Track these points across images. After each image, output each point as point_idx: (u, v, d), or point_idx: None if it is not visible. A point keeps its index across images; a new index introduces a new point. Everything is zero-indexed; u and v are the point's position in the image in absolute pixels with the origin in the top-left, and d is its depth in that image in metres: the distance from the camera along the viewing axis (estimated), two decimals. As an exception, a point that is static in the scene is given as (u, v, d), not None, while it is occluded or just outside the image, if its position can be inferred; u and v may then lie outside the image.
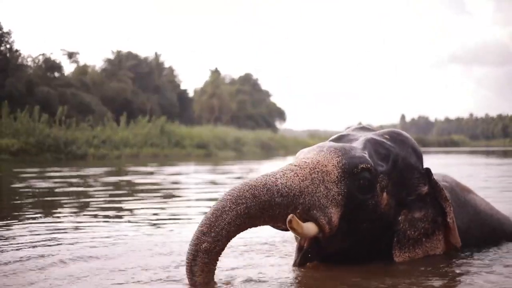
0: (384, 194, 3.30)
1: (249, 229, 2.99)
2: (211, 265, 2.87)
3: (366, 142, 3.42)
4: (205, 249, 2.83)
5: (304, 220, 3.04)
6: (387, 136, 3.54)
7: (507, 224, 4.18)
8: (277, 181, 3.02)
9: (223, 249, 2.89)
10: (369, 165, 3.22)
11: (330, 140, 3.61)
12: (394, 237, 3.34)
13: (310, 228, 3.05)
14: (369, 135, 3.55)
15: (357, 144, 3.42)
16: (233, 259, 3.64)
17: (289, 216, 2.91)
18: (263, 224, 3.02)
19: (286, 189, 3.00)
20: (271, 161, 24.63)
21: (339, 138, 3.62)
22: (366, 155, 3.29)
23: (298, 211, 3.02)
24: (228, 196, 2.91)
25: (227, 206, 2.88)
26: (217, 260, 2.89)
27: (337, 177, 3.16)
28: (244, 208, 2.89)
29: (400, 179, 3.39)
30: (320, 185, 3.11)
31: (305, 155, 3.31)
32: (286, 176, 3.06)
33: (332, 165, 3.18)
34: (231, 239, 2.91)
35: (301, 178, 3.08)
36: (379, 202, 3.27)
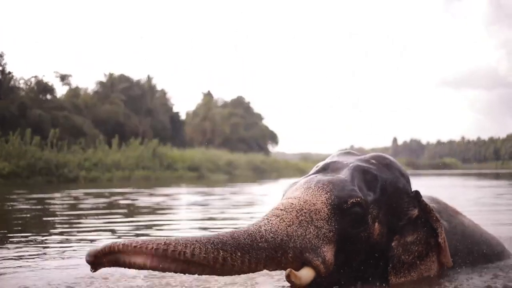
0: (376, 224, 3.25)
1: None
2: None
3: (353, 172, 3.36)
4: None
5: (299, 267, 2.98)
6: (373, 161, 3.50)
7: (495, 245, 4.19)
8: (261, 228, 2.94)
9: None
10: (359, 199, 3.17)
11: (317, 170, 3.54)
12: (389, 263, 3.30)
13: (307, 275, 2.97)
14: (355, 162, 3.48)
15: (345, 174, 3.35)
16: None
17: (287, 271, 2.86)
18: (249, 269, 2.89)
19: (271, 234, 2.93)
20: (264, 184, 24.60)
21: (325, 168, 3.54)
22: (355, 187, 3.24)
23: (290, 255, 2.95)
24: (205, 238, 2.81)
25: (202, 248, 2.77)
26: None
27: (327, 214, 3.11)
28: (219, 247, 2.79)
29: (390, 205, 3.35)
30: (309, 226, 3.05)
31: (292, 193, 3.25)
32: (271, 223, 2.99)
33: (321, 203, 3.13)
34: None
35: (287, 223, 3.01)
36: (371, 234, 3.23)
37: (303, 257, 2.99)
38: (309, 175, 3.49)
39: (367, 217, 3.21)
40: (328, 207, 3.12)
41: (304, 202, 3.12)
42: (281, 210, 3.09)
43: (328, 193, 3.16)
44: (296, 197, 3.17)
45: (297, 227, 3.01)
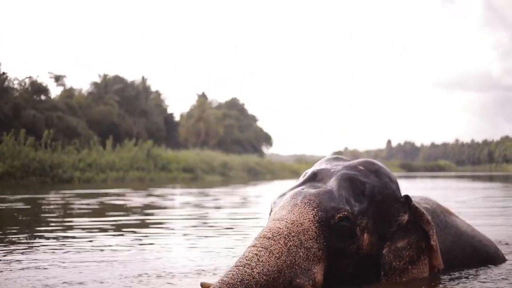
0: (365, 235, 3.23)
1: None
2: None
3: (340, 181, 3.32)
4: None
5: None
6: (361, 168, 3.46)
7: (488, 246, 4.20)
8: (253, 271, 2.91)
9: None
10: (346, 213, 3.15)
11: (304, 180, 3.50)
12: (381, 271, 3.29)
13: None
14: (343, 170, 3.43)
15: (332, 184, 3.32)
16: None
17: None
18: None
19: (264, 277, 2.92)
20: (258, 185, 24.61)
21: (313, 177, 3.50)
22: (343, 200, 3.21)
23: None
24: None
25: None
26: None
27: (315, 232, 3.09)
28: None
29: (379, 213, 3.32)
30: (299, 250, 3.04)
31: (280, 212, 3.22)
32: (262, 261, 2.95)
33: (309, 221, 3.11)
34: None
35: (276, 255, 2.99)
36: (360, 245, 3.22)
37: (293, 285, 2.99)
38: (297, 186, 3.45)
39: (355, 229, 3.19)
40: (316, 224, 3.11)
41: (291, 224, 3.10)
42: (269, 238, 3.05)
43: (315, 209, 3.14)
44: (283, 219, 3.14)
45: (287, 256, 3.00)
